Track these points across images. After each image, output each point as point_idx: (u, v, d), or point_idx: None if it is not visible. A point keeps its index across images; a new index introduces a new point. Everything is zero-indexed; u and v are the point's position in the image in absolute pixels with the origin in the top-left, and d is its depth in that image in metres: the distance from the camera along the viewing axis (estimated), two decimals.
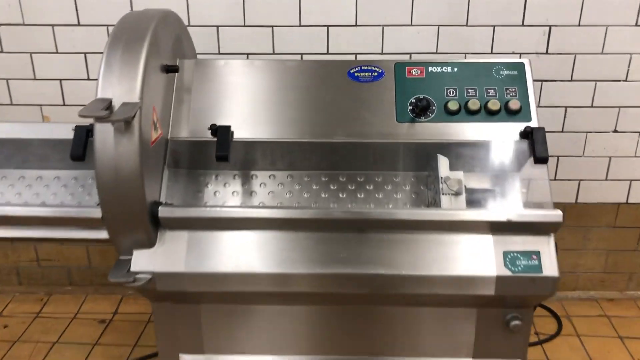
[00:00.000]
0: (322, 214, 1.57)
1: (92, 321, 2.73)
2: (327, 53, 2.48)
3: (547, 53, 2.45)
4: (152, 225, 1.58)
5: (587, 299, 2.90)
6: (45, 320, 2.74)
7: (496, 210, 1.61)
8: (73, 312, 2.79)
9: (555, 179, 2.64)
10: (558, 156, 2.62)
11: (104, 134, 1.45)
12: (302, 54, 2.49)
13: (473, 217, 1.56)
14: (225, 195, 1.85)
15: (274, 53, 2.49)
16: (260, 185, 1.87)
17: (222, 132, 1.69)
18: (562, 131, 2.60)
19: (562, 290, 2.90)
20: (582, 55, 2.46)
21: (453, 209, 1.59)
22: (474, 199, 1.76)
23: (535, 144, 1.65)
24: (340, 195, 1.85)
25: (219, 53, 2.49)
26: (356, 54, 2.48)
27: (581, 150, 2.63)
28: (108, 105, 1.44)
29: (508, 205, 1.70)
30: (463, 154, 1.74)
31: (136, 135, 1.46)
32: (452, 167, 1.74)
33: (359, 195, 1.85)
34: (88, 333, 2.64)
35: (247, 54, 2.50)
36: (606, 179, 2.67)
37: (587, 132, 2.59)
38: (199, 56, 2.42)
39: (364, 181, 1.87)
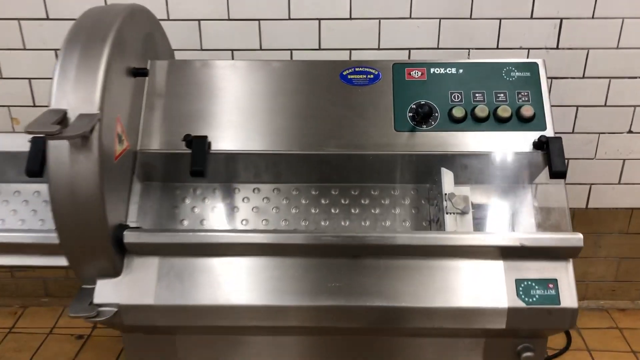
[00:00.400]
0: (311, 239, 1.38)
1: (68, 337, 2.54)
2: (319, 49, 2.28)
3: (557, 48, 2.26)
4: (117, 252, 1.39)
5: (596, 309, 2.73)
6: (18, 336, 2.55)
7: (508, 233, 1.42)
8: (49, 326, 2.61)
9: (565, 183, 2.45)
10: (568, 159, 2.44)
11: (57, 150, 1.26)
12: (291, 50, 2.29)
13: (482, 242, 1.38)
14: (204, 211, 1.66)
15: (261, 49, 2.29)
16: (243, 199, 1.68)
17: (197, 144, 1.50)
18: (573, 132, 2.41)
19: None
20: (596, 51, 2.26)
21: (458, 232, 1.41)
22: (481, 216, 1.58)
23: (551, 156, 1.46)
24: (333, 210, 1.66)
25: (201, 49, 2.29)
26: (351, 49, 2.29)
27: (593, 153, 2.45)
28: (62, 117, 1.24)
29: (520, 226, 1.52)
30: (469, 166, 1.55)
31: (95, 151, 1.27)
32: (458, 180, 1.55)
33: (352, 211, 1.66)
34: (64, 350, 2.46)
35: (232, 50, 2.30)
36: (619, 183, 2.49)
37: (599, 133, 2.41)
38: (178, 53, 2.22)
39: (359, 194, 1.68)
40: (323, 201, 1.67)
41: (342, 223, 1.65)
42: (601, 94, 2.34)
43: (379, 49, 2.28)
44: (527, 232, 1.44)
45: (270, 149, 1.54)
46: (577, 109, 2.38)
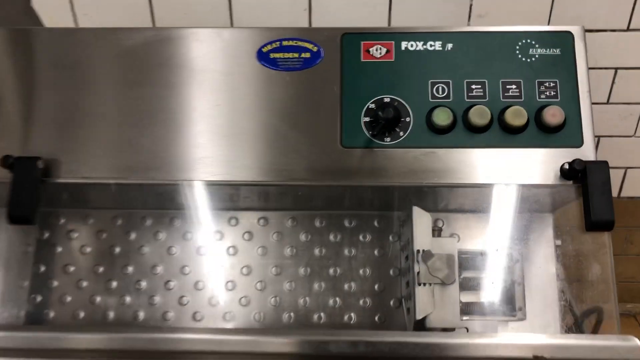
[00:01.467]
0: (186, 345, 0.85)
1: None
2: None
3: None
4: None
5: (623, 314, 2.24)
6: None
7: (511, 337, 0.87)
8: None
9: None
10: (599, 136, 1.86)
11: None
12: None
13: (471, 352, 0.83)
14: (68, 250, 1.14)
15: None
16: (127, 233, 1.15)
17: (21, 171, 0.94)
18: (608, 102, 1.81)
19: None
20: None
21: (427, 335, 0.87)
22: (470, 269, 1.05)
23: (589, 195, 0.90)
24: (258, 251, 1.13)
25: None
26: None
27: (632, 128, 1.87)
28: None
29: (534, 306, 0.98)
30: (457, 203, 1.00)
31: None
32: (438, 207, 1.01)
33: (285, 253, 1.13)
34: None
35: None
36: None
37: None
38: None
39: (297, 226, 1.14)
40: (245, 238, 1.14)
41: (271, 272, 1.12)
42: None
43: None
44: (544, 334, 0.90)
45: (142, 179, 0.98)
46: (615, 72, 1.78)
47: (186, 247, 1.14)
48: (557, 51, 0.99)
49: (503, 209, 1.05)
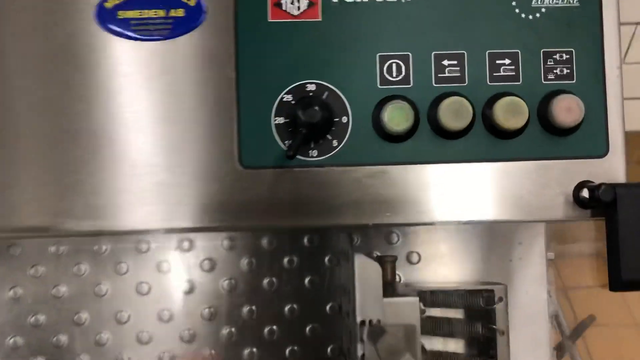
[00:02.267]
0: None
1: None
2: None
3: None
4: None
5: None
6: None
7: None
8: None
9: None
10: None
11: None
12: None
13: None
14: None
15: None
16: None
17: None
18: (623, 62, 1.49)
19: None
20: None
21: None
22: (437, 304, 0.77)
23: (619, 240, 0.59)
24: (140, 288, 0.80)
25: None
26: None
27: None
28: None
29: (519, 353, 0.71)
30: (420, 241, 0.68)
31: None
32: (394, 246, 0.70)
33: (179, 289, 0.80)
34: None
35: None
36: None
37: None
38: None
39: (194, 251, 0.81)
40: (119, 272, 0.80)
41: (160, 317, 0.80)
42: None
43: None
44: None
45: None
46: (635, 29, 1.48)
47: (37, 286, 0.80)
48: (574, 2, 0.63)
49: (486, 271, 0.74)
